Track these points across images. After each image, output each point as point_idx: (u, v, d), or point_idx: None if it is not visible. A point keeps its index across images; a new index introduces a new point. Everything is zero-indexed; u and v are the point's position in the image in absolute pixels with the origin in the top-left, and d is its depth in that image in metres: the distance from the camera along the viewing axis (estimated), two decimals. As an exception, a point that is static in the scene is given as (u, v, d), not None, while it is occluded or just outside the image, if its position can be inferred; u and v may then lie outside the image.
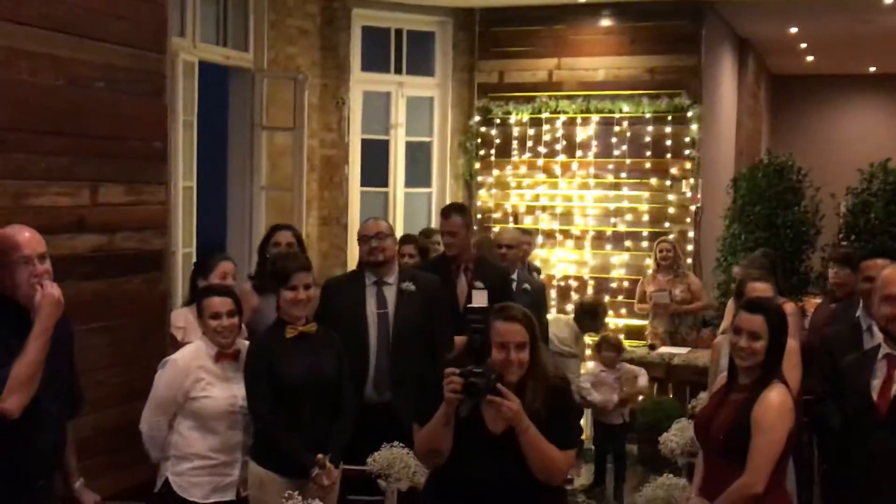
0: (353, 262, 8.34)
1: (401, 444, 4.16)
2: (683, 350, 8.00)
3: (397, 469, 4.07)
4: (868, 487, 3.54)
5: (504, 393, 3.21)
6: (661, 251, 8.06)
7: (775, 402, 3.58)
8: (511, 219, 9.33)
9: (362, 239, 5.06)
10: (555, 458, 3.31)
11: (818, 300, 7.50)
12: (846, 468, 3.75)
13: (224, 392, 4.16)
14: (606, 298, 8.99)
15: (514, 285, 6.50)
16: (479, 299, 3.27)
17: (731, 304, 6.40)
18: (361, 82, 8.78)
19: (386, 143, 9.09)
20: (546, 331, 6.72)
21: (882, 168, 8.23)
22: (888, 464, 3.43)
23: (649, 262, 8.38)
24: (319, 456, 4.04)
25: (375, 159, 9.04)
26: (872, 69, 12.92)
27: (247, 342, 4.38)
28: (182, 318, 4.71)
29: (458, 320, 5.46)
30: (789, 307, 4.99)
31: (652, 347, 8.13)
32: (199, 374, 4.14)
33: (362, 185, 8.88)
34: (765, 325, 3.61)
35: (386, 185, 9.09)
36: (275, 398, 4.07)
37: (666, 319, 7.91)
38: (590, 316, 7.54)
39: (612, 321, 9.02)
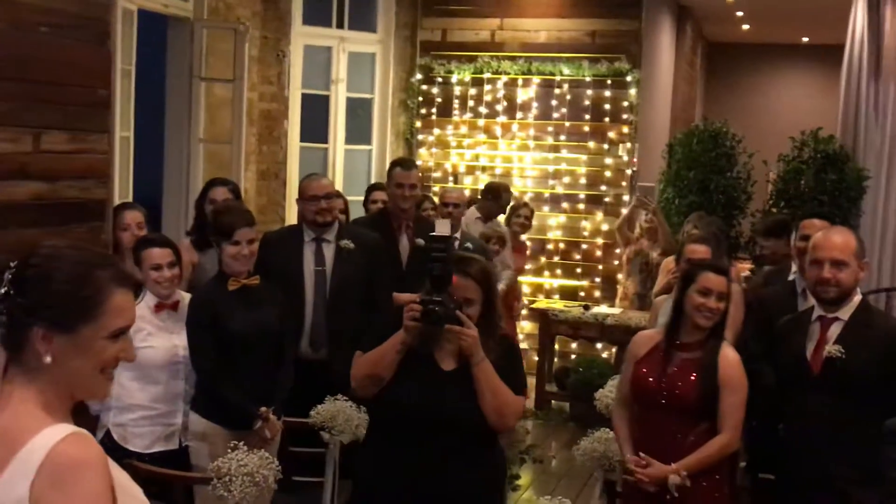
0: (291, 218, 8.31)
1: (344, 398, 4.20)
2: (616, 310, 8.16)
3: (340, 422, 4.11)
4: (799, 444, 3.67)
5: (463, 321, 3.22)
6: (646, 215, 8.13)
7: (736, 360, 3.72)
8: (451, 178, 9.37)
9: (311, 198, 5.03)
10: (507, 398, 3.30)
11: (747, 265, 7.71)
12: (777, 425, 3.89)
13: (165, 342, 4.15)
14: (543, 260, 9.11)
15: (456, 244, 6.55)
16: (443, 228, 3.26)
17: (666, 262, 6.54)
18: (302, 36, 8.68)
19: (326, 99, 9.02)
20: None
21: (813, 137, 8.42)
22: (819, 421, 3.56)
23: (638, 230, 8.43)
24: (263, 409, 4.06)
25: (315, 115, 8.96)
26: (805, 39, 13.16)
27: (186, 293, 4.36)
28: None
29: (401, 278, 5.51)
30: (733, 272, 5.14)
31: (586, 308, 8.28)
32: (139, 325, 4.10)
33: (302, 140, 8.80)
34: (727, 286, 3.73)
35: (326, 141, 9.03)
36: (218, 350, 4.07)
37: (638, 281, 8.01)
38: (493, 195, 7.64)
39: (547, 281, 9.16)
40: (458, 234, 6.60)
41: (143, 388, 4.09)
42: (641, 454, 3.74)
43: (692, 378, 3.69)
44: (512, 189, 9.03)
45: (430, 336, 3.26)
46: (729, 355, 3.74)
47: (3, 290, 1.77)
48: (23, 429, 1.70)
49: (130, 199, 6.54)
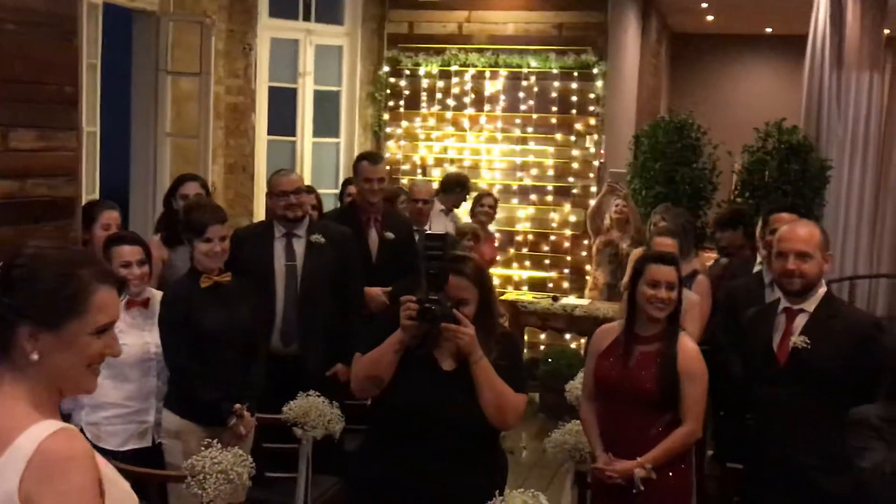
0: (259, 212, 8.29)
1: (316, 393, 4.22)
2: (585, 301, 8.23)
3: (313, 417, 4.13)
4: (767, 433, 3.73)
5: (460, 319, 3.20)
6: (616, 205, 8.18)
7: (695, 350, 3.78)
8: (419, 171, 9.38)
9: (279, 194, 5.04)
10: (507, 396, 3.27)
11: (713, 254, 7.80)
12: (745, 416, 3.96)
13: (136, 339, 4.15)
14: (511, 251, 9.16)
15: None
16: (439, 226, 3.26)
17: (634, 254, 6.61)
18: (269, 29, 8.64)
19: (294, 92, 8.99)
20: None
21: (777, 127, 8.51)
22: (786, 411, 3.62)
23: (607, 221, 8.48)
24: (237, 406, 4.07)
25: (283, 108, 8.93)
26: (769, 30, 13.29)
27: (157, 291, 4.36)
28: None
29: (370, 273, 5.54)
30: (699, 264, 5.21)
31: (555, 299, 8.34)
32: (110, 323, 4.11)
33: (269, 133, 8.77)
34: (676, 276, 3.78)
35: (294, 134, 9.00)
36: (191, 348, 4.07)
37: (608, 271, 8.06)
38: (452, 186, 7.71)
39: (515, 273, 9.21)
40: (426, 229, 6.63)
41: (116, 385, 4.08)
42: (607, 455, 3.79)
43: (652, 370, 3.75)
44: (480, 181, 9.09)
45: (428, 335, 3.24)
46: (688, 346, 3.79)
47: None
48: (12, 425, 1.74)
49: (97, 195, 6.50)
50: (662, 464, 3.71)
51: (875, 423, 2.97)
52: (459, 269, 3.30)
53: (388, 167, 9.24)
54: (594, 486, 4.01)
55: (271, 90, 8.75)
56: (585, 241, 8.83)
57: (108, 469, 1.84)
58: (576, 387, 4.83)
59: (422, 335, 3.23)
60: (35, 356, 1.79)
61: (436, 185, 7.96)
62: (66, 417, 4.14)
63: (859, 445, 2.94)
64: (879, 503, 2.97)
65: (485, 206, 7.90)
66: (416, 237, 6.52)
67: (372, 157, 5.99)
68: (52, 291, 1.81)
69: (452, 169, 9.13)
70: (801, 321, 3.67)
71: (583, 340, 8.48)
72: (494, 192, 8.94)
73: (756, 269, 4.96)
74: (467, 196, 8.14)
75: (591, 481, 3.99)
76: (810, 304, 3.68)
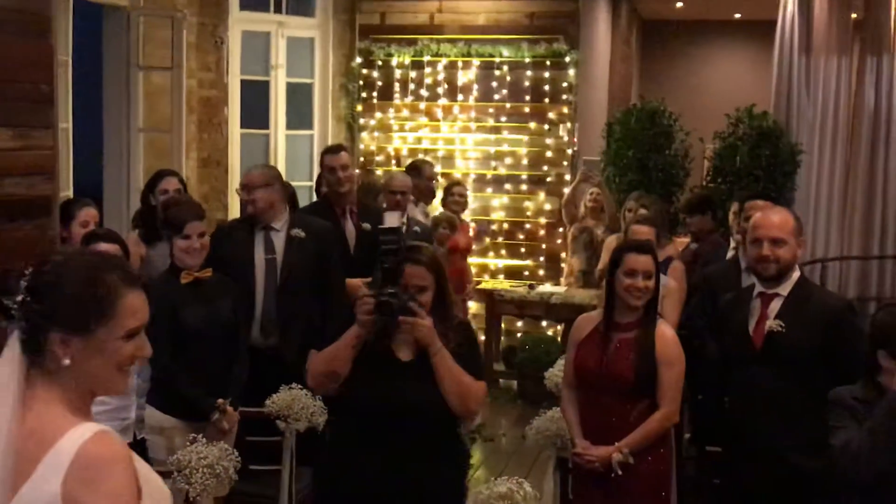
0: (234, 205, 8.27)
1: (298, 386, 4.24)
2: (561, 289, 8.29)
3: (296, 410, 4.15)
4: (744, 416, 3.80)
5: (417, 311, 3.24)
6: (591, 194, 8.22)
7: (672, 336, 3.84)
8: (394, 162, 9.39)
9: (242, 189, 5.11)
10: (469, 384, 3.34)
11: (685, 240, 7.88)
12: (723, 399, 4.03)
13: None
14: (487, 240, 9.20)
15: (404, 228, 6.60)
16: (392, 220, 3.28)
17: (609, 241, 6.67)
18: (240, 21, 8.61)
19: (266, 85, 8.97)
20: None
21: (748, 113, 8.59)
22: (762, 394, 3.70)
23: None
24: (220, 401, 4.08)
25: (256, 101, 8.91)
26: (738, 15, 13.37)
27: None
28: None
29: (348, 264, 5.55)
30: (673, 250, 5.28)
31: (531, 287, 8.40)
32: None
33: (242, 126, 8.75)
34: (653, 265, 3.83)
35: (267, 127, 8.99)
36: (173, 344, 4.08)
37: (584, 259, 8.10)
38: (417, 173, 7.74)
39: (492, 262, 9.25)
40: (405, 219, 6.65)
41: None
42: (586, 441, 3.85)
43: (630, 358, 3.80)
44: (455, 171, 9.11)
45: (385, 329, 3.28)
46: (665, 332, 3.85)
47: (20, 298, 1.84)
48: (51, 429, 1.78)
49: (71, 192, 6.48)
50: (641, 448, 3.76)
51: (849, 402, 3.03)
52: (416, 258, 3.35)
53: (362, 159, 9.30)
54: (575, 474, 4.06)
55: (244, 83, 8.73)
56: (560, 230, 8.88)
57: (142, 466, 1.89)
58: (555, 374, 4.87)
59: (378, 329, 3.27)
60: (67, 361, 1.82)
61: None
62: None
63: (833, 424, 3.01)
64: (846, 480, 3.04)
65: (455, 195, 7.90)
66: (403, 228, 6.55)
67: (331, 148, 6.04)
68: (81, 297, 1.84)
69: (428, 160, 9.14)
70: (775, 305, 3.73)
71: (559, 327, 8.55)
72: (469, 181, 8.97)
73: (730, 254, 5.03)
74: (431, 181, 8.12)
75: (572, 467, 4.04)
76: (784, 289, 3.74)
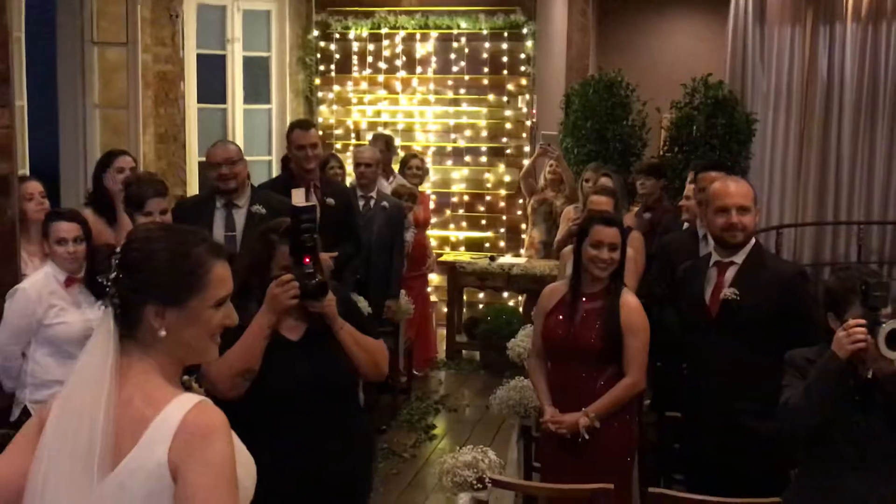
0: (192, 181, 8.23)
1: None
2: (522, 260, 8.35)
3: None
4: (701, 381, 3.89)
5: (330, 289, 3.21)
6: (550, 166, 8.26)
7: (637, 305, 3.92)
8: (353, 135, 9.38)
9: (212, 165, 5.03)
10: (374, 348, 3.33)
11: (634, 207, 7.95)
12: (681, 365, 4.11)
13: (78, 317, 4.13)
14: (448, 213, 9.23)
15: (372, 202, 6.61)
16: (299, 198, 3.21)
17: (567, 211, 6.73)
18: (195, -5, 8.52)
19: (223, 59, 8.89)
20: (403, 246, 6.89)
21: (703, 83, 8.66)
22: (719, 360, 3.78)
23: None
24: (185, 378, 4.07)
25: (212, 75, 8.83)
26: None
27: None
28: None
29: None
30: (630, 220, 5.35)
31: (492, 259, 8.45)
32: (51, 301, 4.10)
33: (199, 101, 8.68)
34: (619, 237, 3.89)
35: (224, 101, 8.92)
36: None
37: (544, 230, 8.15)
38: (386, 145, 7.80)
39: (452, 234, 9.29)
40: (373, 193, 6.65)
41: (60, 363, 4.07)
42: (553, 409, 3.92)
43: (596, 326, 3.87)
44: (414, 144, 9.12)
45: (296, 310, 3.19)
46: (629, 301, 3.93)
47: (112, 275, 1.91)
48: (153, 399, 1.85)
49: (27, 170, 6.40)
50: (607, 414, 3.85)
51: (799, 363, 3.12)
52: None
53: (320, 132, 9.25)
54: (541, 440, 4.13)
55: (200, 58, 8.65)
56: (520, 201, 8.93)
57: (234, 438, 1.95)
58: (517, 344, 4.94)
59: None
60: (163, 332, 1.90)
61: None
62: (10, 396, 4.14)
63: (783, 384, 3.10)
64: (786, 436, 3.15)
65: (412, 168, 7.91)
66: (363, 203, 6.56)
67: (302, 124, 5.97)
68: (173, 270, 1.92)
69: (387, 133, 9.14)
70: (730, 274, 3.81)
71: (520, 298, 8.62)
72: (429, 154, 8.98)
73: (685, 225, 5.10)
74: (394, 156, 8.14)
75: (538, 435, 4.11)
76: (739, 257, 3.82)
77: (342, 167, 7.10)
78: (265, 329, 3.16)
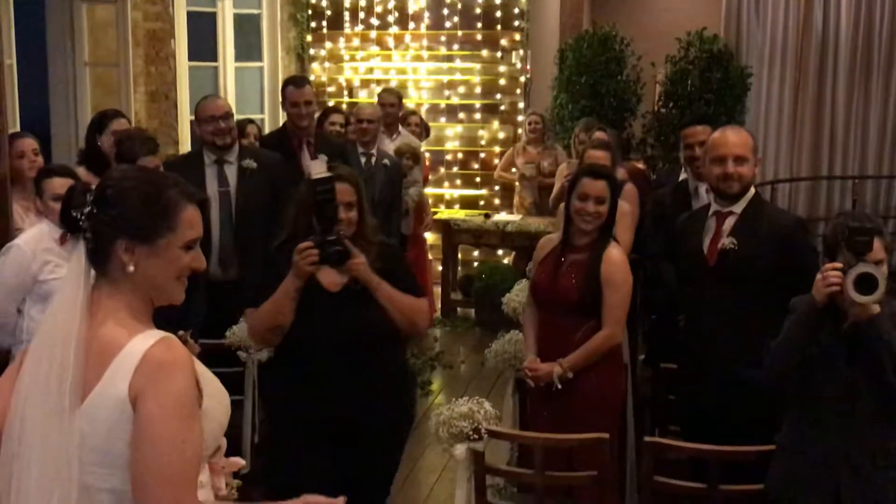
0: (184, 139, 8.17)
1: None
2: (516, 217, 8.34)
3: (257, 341, 4.16)
4: (698, 333, 3.88)
5: (353, 252, 3.30)
6: (530, 124, 8.24)
7: (619, 259, 3.91)
8: (346, 92, 9.31)
9: (207, 119, 4.99)
10: (414, 304, 3.44)
11: (640, 165, 7.94)
12: (677, 318, 4.11)
13: (71, 273, 4.11)
14: (442, 170, 9.20)
15: (373, 160, 6.54)
16: (319, 168, 3.26)
17: (561, 168, 6.70)
18: (185, -49, 8.40)
19: (213, 16, 8.78)
20: (402, 204, 6.85)
21: (698, 37, 8.62)
22: (716, 311, 3.76)
23: (521, 133, 8.57)
24: (181, 332, 4.07)
25: (203, 33, 8.73)
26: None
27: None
28: None
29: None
30: (622, 172, 5.32)
31: (487, 216, 8.43)
32: (45, 257, 4.07)
33: (190, 59, 8.57)
34: (607, 190, 3.87)
35: (215, 59, 8.83)
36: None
37: (533, 190, 8.14)
38: (398, 99, 7.73)
39: (447, 192, 9.26)
40: (374, 151, 6.59)
41: (53, 319, 4.05)
42: (534, 357, 3.96)
43: (576, 278, 3.89)
44: (408, 101, 9.05)
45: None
46: (612, 255, 3.92)
47: (87, 210, 1.96)
48: (118, 335, 1.92)
49: (18, 128, 6.35)
50: (584, 366, 3.86)
51: (800, 308, 3.12)
52: (339, 175, 3.36)
53: (313, 90, 9.19)
54: (529, 391, 4.15)
55: (190, 15, 8.53)
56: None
57: (202, 368, 2.04)
58: (512, 298, 4.94)
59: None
60: (131, 268, 1.95)
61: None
62: (7, 353, 4.13)
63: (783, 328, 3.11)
64: (768, 375, 3.18)
65: (411, 125, 7.87)
66: (365, 159, 6.49)
67: (297, 80, 5.93)
68: (146, 208, 1.97)
69: (379, 89, 9.07)
70: (730, 223, 3.78)
71: (514, 254, 8.62)
72: (423, 111, 8.93)
73: (682, 177, 5.08)
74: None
75: (527, 386, 4.13)
76: (738, 206, 3.79)
77: (347, 123, 6.98)
78: (291, 291, 3.30)
